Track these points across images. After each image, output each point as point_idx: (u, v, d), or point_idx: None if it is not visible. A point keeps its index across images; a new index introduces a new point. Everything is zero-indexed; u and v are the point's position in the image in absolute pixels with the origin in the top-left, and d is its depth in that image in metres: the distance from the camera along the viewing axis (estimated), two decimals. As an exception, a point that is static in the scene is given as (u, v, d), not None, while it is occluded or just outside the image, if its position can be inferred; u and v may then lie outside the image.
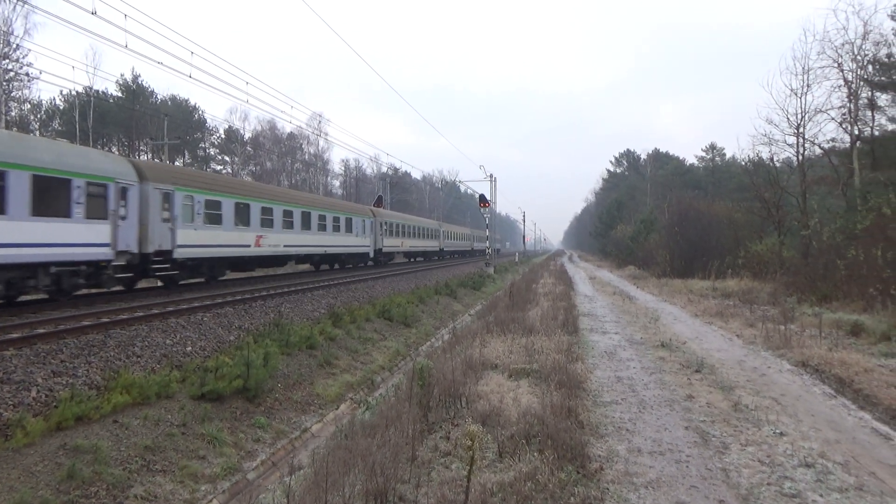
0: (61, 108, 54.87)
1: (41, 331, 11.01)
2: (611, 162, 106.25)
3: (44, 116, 56.05)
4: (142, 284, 20.24)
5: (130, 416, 8.60)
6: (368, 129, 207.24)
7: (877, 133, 25.41)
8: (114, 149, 55.80)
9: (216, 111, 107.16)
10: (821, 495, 5.34)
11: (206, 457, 8.50)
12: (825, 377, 10.12)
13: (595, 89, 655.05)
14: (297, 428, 10.46)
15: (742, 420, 7.61)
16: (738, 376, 10.16)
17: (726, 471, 5.91)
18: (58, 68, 62.30)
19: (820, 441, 6.82)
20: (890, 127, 25.43)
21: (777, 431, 7.11)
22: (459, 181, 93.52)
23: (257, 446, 9.43)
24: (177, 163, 59.01)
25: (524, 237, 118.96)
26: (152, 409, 8.97)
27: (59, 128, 53.93)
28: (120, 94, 56.69)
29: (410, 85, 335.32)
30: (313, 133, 69.24)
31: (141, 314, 13.55)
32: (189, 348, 11.95)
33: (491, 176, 50.62)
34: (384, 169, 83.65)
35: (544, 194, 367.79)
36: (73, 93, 48.94)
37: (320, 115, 70.11)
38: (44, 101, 55.33)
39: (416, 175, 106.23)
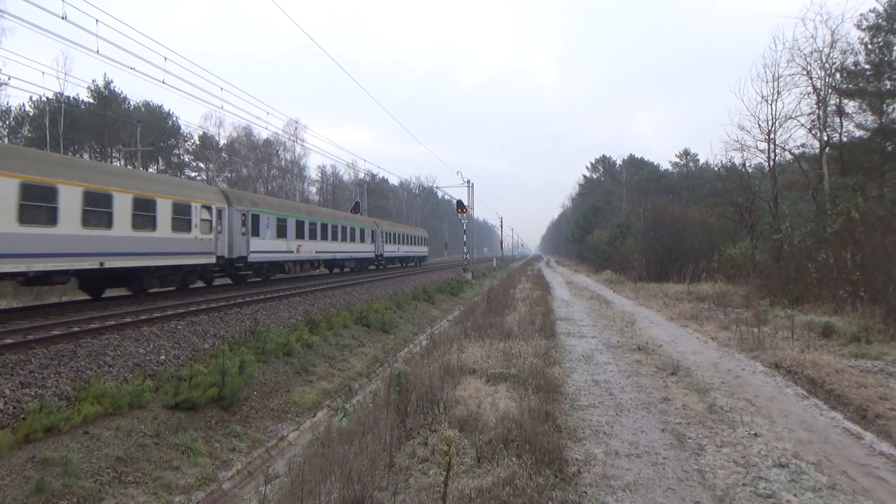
0: (31, 114, 53.76)
1: (9, 341, 10.75)
2: (587, 168, 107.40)
3: (12, 123, 54.87)
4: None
5: (102, 426, 8.42)
6: (345, 135, 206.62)
7: (845, 139, 25.93)
8: (85, 155, 54.81)
9: (190, 117, 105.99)
10: (795, 495, 5.40)
11: (180, 467, 8.35)
12: (797, 378, 10.27)
13: (573, 98, 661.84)
14: (274, 436, 10.32)
15: (717, 422, 7.69)
16: (713, 378, 10.27)
17: (702, 472, 5.95)
18: (28, 74, 61.23)
19: (793, 441, 6.92)
20: (857, 133, 26.01)
21: (751, 432, 7.20)
22: (437, 187, 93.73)
23: (233, 456, 9.28)
24: (150, 169, 58.21)
25: (502, 243, 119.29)
26: (124, 420, 8.79)
27: (29, 134, 52.80)
28: (91, 101, 55.72)
29: (389, 91, 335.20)
30: (290, 139, 68.89)
31: (113, 323, 13.30)
32: (162, 357, 11.76)
33: (468, 182, 50.61)
34: (361, 175, 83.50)
35: (522, 200, 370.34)
36: (44, 99, 48.06)
37: (297, 122, 69.95)
38: (13, 108, 54.25)
39: (394, 181, 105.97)
